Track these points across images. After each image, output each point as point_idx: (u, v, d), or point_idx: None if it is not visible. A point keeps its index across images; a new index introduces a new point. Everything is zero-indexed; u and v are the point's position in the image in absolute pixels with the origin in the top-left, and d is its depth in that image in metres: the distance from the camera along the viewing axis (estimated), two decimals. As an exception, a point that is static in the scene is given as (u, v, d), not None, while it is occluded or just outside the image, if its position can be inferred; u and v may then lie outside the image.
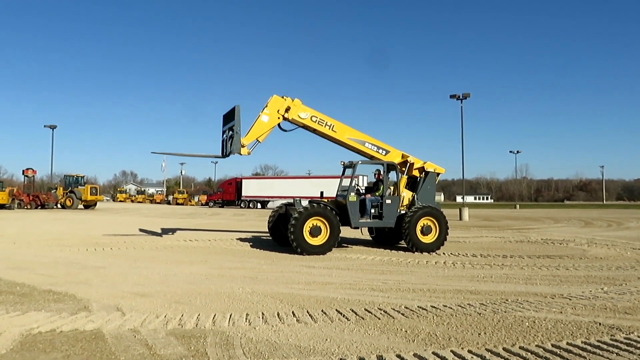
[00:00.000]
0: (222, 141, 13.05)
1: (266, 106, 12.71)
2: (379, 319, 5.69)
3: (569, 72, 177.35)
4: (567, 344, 4.81)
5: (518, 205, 70.68)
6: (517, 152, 74.66)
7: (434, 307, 6.33)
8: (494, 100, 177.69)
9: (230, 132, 12.45)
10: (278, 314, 5.84)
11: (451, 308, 6.28)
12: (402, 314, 5.91)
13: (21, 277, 8.04)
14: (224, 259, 10.89)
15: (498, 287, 7.84)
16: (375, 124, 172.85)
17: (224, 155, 12.81)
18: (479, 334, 5.13)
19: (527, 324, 5.54)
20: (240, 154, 12.46)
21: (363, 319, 5.69)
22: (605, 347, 4.69)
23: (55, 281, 7.80)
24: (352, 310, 6.06)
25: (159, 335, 4.87)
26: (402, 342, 4.82)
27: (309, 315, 5.82)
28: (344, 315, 5.81)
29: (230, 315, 5.72)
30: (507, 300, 6.82)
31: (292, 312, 5.94)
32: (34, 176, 51.86)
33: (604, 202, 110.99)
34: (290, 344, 4.71)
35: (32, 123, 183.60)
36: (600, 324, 5.54)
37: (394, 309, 6.16)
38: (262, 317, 5.67)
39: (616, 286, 7.90)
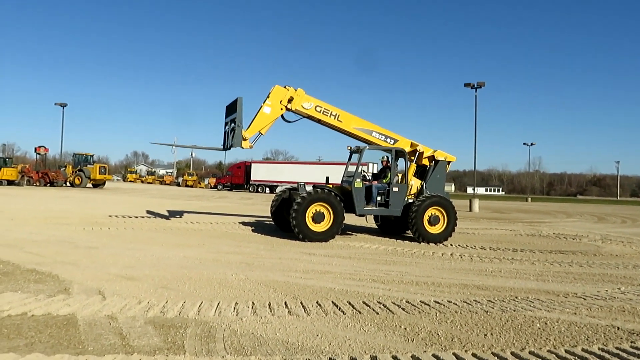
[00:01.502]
0: (224, 133, 12.59)
1: (268, 97, 12.21)
2: (377, 313, 5.28)
3: (586, 65, 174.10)
4: (583, 350, 4.36)
5: (530, 199, 69.69)
6: (532, 144, 73.42)
7: (438, 302, 5.90)
8: (507, 91, 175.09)
9: (232, 124, 12.03)
10: (269, 304, 5.45)
11: (456, 304, 5.84)
12: (403, 309, 5.49)
13: (7, 255, 7.73)
14: (222, 242, 10.53)
15: (507, 282, 7.38)
16: (384, 115, 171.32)
17: (225, 148, 12.38)
18: (485, 334, 4.70)
19: (538, 325, 5.09)
20: (242, 147, 12.06)
21: (360, 313, 5.28)
22: (625, 355, 4.24)
23: (42, 260, 7.48)
24: (349, 303, 5.65)
25: (137, 324, 4.50)
26: (400, 341, 4.40)
27: (302, 306, 5.42)
28: (339, 308, 5.40)
29: (218, 304, 5.34)
30: (516, 297, 6.37)
31: (285, 303, 5.54)
32: (45, 154, 52.14)
33: (618, 198, 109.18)
34: (277, 338, 4.31)
35: (48, 101, 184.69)
36: (618, 328, 5.07)
37: (394, 303, 5.74)
38: (252, 307, 5.28)
39: (634, 286, 7.39)
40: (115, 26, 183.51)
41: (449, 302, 5.95)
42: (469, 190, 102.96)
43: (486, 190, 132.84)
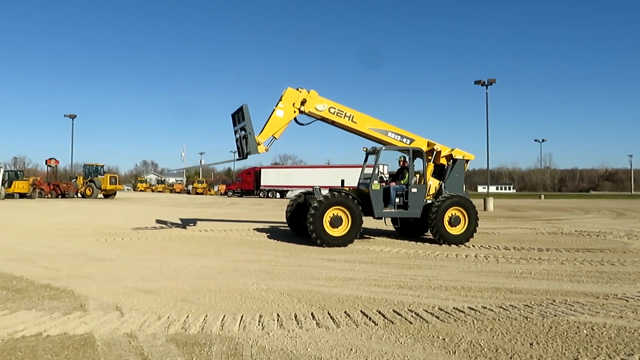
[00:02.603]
0: (236, 141, 12.31)
1: (280, 100, 11.94)
2: (411, 323, 4.95)
3: (596, 59, 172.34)
4: (640, 358, 4.01)
5: (543, 195, 68.87)
6: (543, 140, 72.74)
7: (472, 308, 5.57)
8: (515, 88, 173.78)
9: (243, 132, 11.78)
10: (295, 316, 5.14)
11: (492, 310, 5.50)
12: (437, 317, 5.16)
13: (21, 270, 7.50)
14: (238, 250, 10.25)
15: (540, 284, 7.02)
16: (393, 114, 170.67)
17: (242, 157, 12.12)
18: (531, 344, 4.36)
19: (584, 331, 4.74)
20: (258, 153, 11.83)
21: (392, 322, 4.96)
22: (688, 363, 3.89)
23: (56, 275, 7.24)
24: (379, 312, 5.33)
25: (158, 342, 4.21)
26: (441, 354, 4.08)
27: (331, 317, 5.12)
28: (370, 318, 5.09)
29: (242, 317, 5.05)
30: (554, 301, 6.01)
31: (312, 314, 5.24)
32: (56, 166, 52.44)
33: (632, 192, 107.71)
34: (310, 355, 4.01)
35: (56, 113, 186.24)
36: (672, 332, 4.71)
37: (426, 311, 5.42)
38: (277, 320, 4.98)
39: (675, 285, 7.01)
40: (121, 35, 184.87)
41: (484, 308, 5.61)
42: (480, 189, 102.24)
43: (497, 188, 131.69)
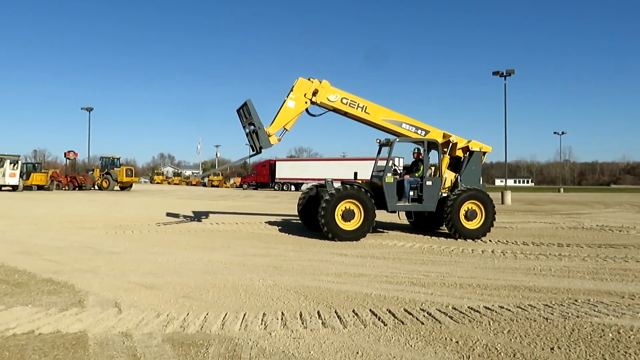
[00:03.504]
0: (247, 135, 12.04)
1: (291, 90, 11.64)
2: (423, 323, 4.66)
3: (616, 50, 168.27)
4: (673, 366, 3.68)
5: (562, 189, 67.62)
6: (562, 133, 71.33)
7: (488, 308, 5.25)
8: (534, 80, 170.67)
9: (252, 127, 11.54)
10: (300, 315, 4.89)
11: (509, 310, 5.19)
12: (451, 318, 4.86)
13: (25, 264, 7.37)
14: (248, 244, 10.04)
15: (561, 282, 6.66)
16: (408, 106, 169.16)
17: (257, 151, 11.88)
18: (552, 348, 4.04)
19: (610, 334, 4.41)
20: (271, 146, 11.60)
21: (403, 323, 4.68)
22: None
23: (59, 268, 7.09)
24: (389, 311, 5.05)
25: (153, 342, 3.99)
26: (455, 359, 3.79)
27: (337, 316, 4.85)
28: (379, 318, 4.81)
29: (244, 316, 4.81)
30: (576, 300, 5.67)
31: (318, 313, 4.98)
32: (75, 158, 52.96)
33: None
34: (312, 358, 3.75)
35: (76, 107, 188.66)
36: None
37: (439, 311, 5.12)
38: (281, 319, 4.73)
39: None
40: (137, 29, 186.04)
41: (501, 307, 5.29)
42: (497, 182, 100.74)
43: (515, 182, 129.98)
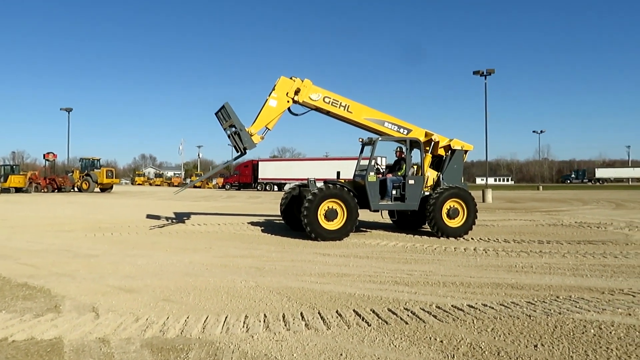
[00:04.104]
0: (229, 137, 11.91)
1: (274, 89, 11.57)
2: (407, 323, 4.63)
3: (594, 49, 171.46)
4: (654, 362, 3.71)
5: (541, 187, 68.58)
6: (541, 131, 72.40)
7: (472, 306, 5.25)
8: (512, 80, 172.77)
9: (233, 129, 11.45)
10: (283, 316, 4.82)
11: (493, 308, 5.19)
12: (435, 317, 4.84)
13: (0, 268, 7.16)
14: (230, 245, 9.92)
15: (542, 279, 6.71)
16: (391, 106, 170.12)
17: (241, 153, 11.79)
18: (535, 345, 4.05)
19: (592, 331, 4.43)
20: (255, 146, 11.56)
21: (387, 323, 4.64)
22: None
23: (36, 272, 6.91)
24: (373, 312, 5.01)
25: (131, 348, 3.89)
26: (439, 359, 3.76)
27: (321, 318, 4.79)
28: (363, 319, 4.76)
29: (225, 319, 4.73)
30: (558, 297, 5.70)
31: (301, 314, 4.91)
32: (54, 160, 51.89)
33: (630, 183, 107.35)
34: (295, 360, 3.69)
35: (55, 108, 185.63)
36: (686, 331, 4.40)
37: (423, 310, 5.10)
38: (264, 321, 4.66)
39: (683, 279, 6.70)
40: (117, 29, 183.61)
41: (484, 305, 5.30)
42: (478, 180, 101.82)
43: (495, 180, 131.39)
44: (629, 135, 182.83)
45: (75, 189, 44.83)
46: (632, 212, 20.43)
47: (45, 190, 42.60)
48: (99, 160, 47.99)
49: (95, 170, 45.38)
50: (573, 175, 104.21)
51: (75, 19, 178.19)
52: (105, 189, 45.87)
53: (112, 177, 47.33)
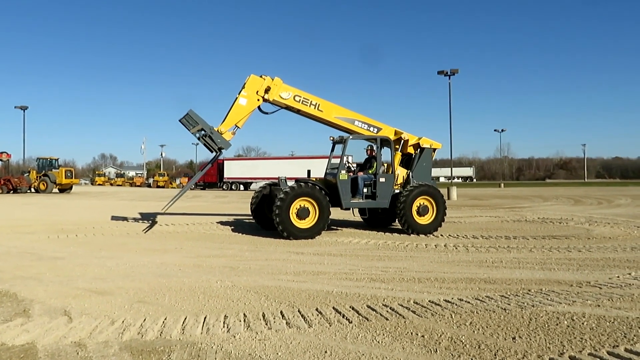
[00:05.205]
0: (199, 140, 11.70)
1: (243, 87, 11.49)
2: (387, 319, 4.67)
3: (551, 49, 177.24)
4: (626, 350, 3.85)
5: (502, 184, 70.48)
6: (502, 130, 74.42)
7: (448, 301, 5.34)
8: (475, 79, 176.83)
9: (203, 132, 11.35)
10: (263, 316, 4.78)
11: (469, 302, 5.29)
12: (414, 312, 4.90)
13: (-41, 273, 6.83)
14: (201, 245, 9.77)
15: (513, 274, 6.89)
16: (360, 104, 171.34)
17: (218, 153, 11.68)
18: (513, 338, 4.15)
19: (565, 322, 4.58)
20: (230, 144, 11.54)
21: (367, 319, 4.66)
22: (675, 354, 3.74)
23: (-2, 276, 6.63)
24: (353, 308, 5.03)
25: (110, 351, 3.77)
26: (422, 353, 3.81)
27: (301, 316, 4.78)
28: (343, 316, 4.77)
29: (205, 319, 4.65)
30: (529, 290, 5.87)
31: (281, 313, 4.88)
32: (8, 160, 49.87)
33: (585, 180, 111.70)
34: (281, 359, 3.66)
35: (8, 105, 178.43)
36: (652, 320, 4.60)
37: (401, 305, 5.15)
38: (244, 321, 4.61)
39: (644, 271, 7.01)
40: (74, 25, 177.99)
41: (460, 300, 5.40)
42: (442, 179, 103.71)
43: (457, 178, 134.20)
44: (584, 134, 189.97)
45: (32, 189, 43.19)
46: (589, 207, 21.27)
47: (0, 191, 40.93)
48: (57, 159, 46.36)
49: (54, 170, 43.85)
50: None
51: (29, 12, 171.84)
52: (65, 189, 44.40)
53: (72, 178, 45.83)
